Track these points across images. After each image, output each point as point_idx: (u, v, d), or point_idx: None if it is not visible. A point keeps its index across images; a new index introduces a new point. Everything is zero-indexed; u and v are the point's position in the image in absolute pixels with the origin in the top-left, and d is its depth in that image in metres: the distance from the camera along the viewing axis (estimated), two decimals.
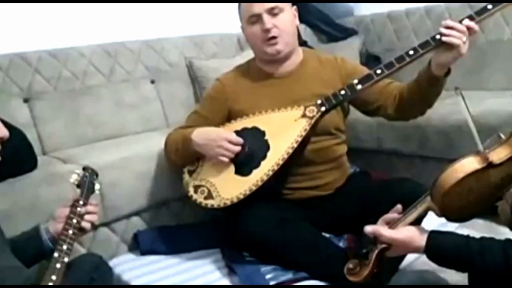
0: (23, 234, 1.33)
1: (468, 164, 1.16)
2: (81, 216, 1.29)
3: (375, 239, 1.24)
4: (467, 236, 1.19)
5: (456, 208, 1.20)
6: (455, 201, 1.18)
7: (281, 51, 1.69)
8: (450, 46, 1.46)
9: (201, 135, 1.65)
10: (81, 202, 1.30)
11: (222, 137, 1.60)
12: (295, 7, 1.76)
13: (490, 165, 1.15)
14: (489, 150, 1.17)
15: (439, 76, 1.54)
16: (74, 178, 1.35)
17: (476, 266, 1.15)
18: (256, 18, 1.68)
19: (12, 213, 1.59)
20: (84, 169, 1.39)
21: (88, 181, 1.35)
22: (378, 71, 1.56)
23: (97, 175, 1.41)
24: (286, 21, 1.70)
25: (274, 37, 1.67)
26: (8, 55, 2.16)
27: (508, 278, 1.13)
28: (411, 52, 1.52)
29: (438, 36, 1.48)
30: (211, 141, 1.61)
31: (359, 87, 1.57)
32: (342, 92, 1.59)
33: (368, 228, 1.25)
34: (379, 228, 1.24)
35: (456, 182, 1.14)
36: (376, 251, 1.23)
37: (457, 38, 1.44)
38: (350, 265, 1.28)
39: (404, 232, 1.21)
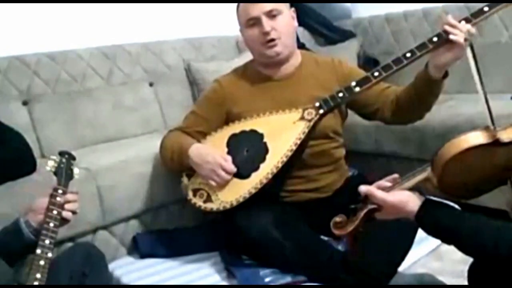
0: (1, 230, 1.27)
1: (474, 137, 1.10)
2: (61, 206, 1.23)
3: (366, 198, 1.21)
4: (463, 212, 1.15)
5: (455, 183, 1.15)
6: (454, 175, 1.13)
7: (280, 53, 1.70)
8: (449, 47, 1.46)
9: (198, 154, 1.63)
10: (60, 191, 1.24)
11: (217, 163, 1.59)
12: (293, 8, 1.76)
13: (496, 143, 1.09)
14: (500, 128, 1.12)
15: (437, 78, 1.53)
16: (50, 165, 1.27)
17: (464, 244, 1.11)
18: (255, 21, 1.68)
19: (11, 216, 1.58)
20: (60, 154, 1.31)
21: (65, 167, 1.28)
22: (376, 74, 1.56)
23: (74, 158, 1.32)
24: (285, 23, 1.70)
25: (273, 39, 1.67)
26: (6, 57, 2.16)
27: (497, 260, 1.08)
28: (408, 54, 1.52)
29: (435, 38, 1.48)
30: (206, 163, 1.60)
31: (357, 89, 1.57)
32: (340, 94, 1.59)
33: (362, 188, 1.21)
34: (371, 188, 1.20)
35: (458, 152, 1.09)
36: (365, 210, 1.21)
37: (460, 36, 1.43)
38: (337, 219, 1.25)
39: (398, 196, 1.17)
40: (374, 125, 2.22)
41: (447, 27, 1.45)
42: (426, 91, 1.59)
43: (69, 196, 1.26)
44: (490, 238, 1.07)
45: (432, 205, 1.15)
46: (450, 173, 1.12)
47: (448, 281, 1.55)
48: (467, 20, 1.47)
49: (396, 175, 1.25)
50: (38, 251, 1.15)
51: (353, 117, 1.86)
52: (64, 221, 1.25)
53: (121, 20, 2.58)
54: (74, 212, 1.28)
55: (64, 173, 1.27)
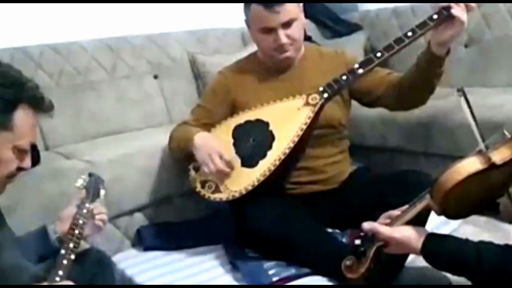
0: (29, 235, 1.34)
1: (470, 165, 1.11)
2: (86, 216, 1.30)
3: (373, 236, 1.24)
4: (466, 240, 1.17)
5: (456, 208, 1.18)
6: (455, 202, 1.15)
7: (291, 57, 1.71)
8: (449, 24, 1.48)
9: (203, 138, 1.64)
10: (86, 205, 1.32)
11: (217, 150, 1.59)
12: (301, 4, 1.73)
13: (492, 166, 1.10)
14: (492, 149, 1.12)
15: (441, 55, 1.53)
16: (80, 183, 1.36)
17: (473, 272, 1.12)
18: (269, 30, 1.66)
19: (15, 208, 1.59)
20: (90, 175, 1.40)
21: (93, 186, 1.37)
22: (378, 54, 1.57)
23: (103, 181, 1.41)
24: (299, 27, 1.69)
25: (286, 47, 1.67)
26: (9, 49, 2.15)
27: (506, 284, 1.10)
28: (409, 33, 1.54)
29: (435, 16, 1.50)
30: (207, 147, 1.61)
31: (360, 71, 1.58)
32: (344, 77, 1.60)
33: (366, 225, 1.24)
34: (376, 225, 1.24)
35: (457, 183, 1.11)
36: (373, 249, 1.23)
37: (461, 11, 1.46)
38: (348, 262, 1.28)
39: (401, 232, 1.20)
40: (380, 120, 2.21)
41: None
42: (429, 70, 1.58)
43: (98, 207, 1.35)
44: (498, 260, 1.09)
45: (433, 241, 1.18)
46: (451, 201, 1.15)
47: (452, 277, 1.53)
48: None
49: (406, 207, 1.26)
50: (62, 251, 1.21)
51: (358, 111, 1.85)
52: (96, 228, 1.33)
53: (125, 12, 2.56)
54: (104, 223, 1.36)
55: (92, 191, 1.35)
